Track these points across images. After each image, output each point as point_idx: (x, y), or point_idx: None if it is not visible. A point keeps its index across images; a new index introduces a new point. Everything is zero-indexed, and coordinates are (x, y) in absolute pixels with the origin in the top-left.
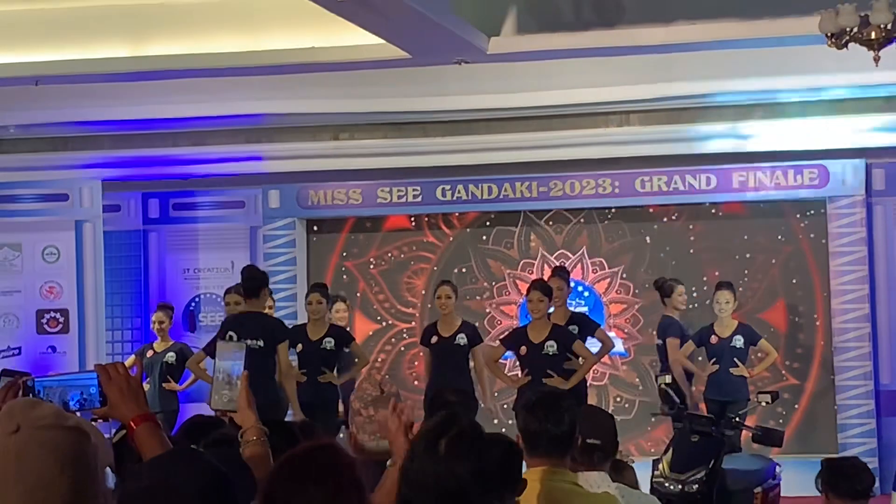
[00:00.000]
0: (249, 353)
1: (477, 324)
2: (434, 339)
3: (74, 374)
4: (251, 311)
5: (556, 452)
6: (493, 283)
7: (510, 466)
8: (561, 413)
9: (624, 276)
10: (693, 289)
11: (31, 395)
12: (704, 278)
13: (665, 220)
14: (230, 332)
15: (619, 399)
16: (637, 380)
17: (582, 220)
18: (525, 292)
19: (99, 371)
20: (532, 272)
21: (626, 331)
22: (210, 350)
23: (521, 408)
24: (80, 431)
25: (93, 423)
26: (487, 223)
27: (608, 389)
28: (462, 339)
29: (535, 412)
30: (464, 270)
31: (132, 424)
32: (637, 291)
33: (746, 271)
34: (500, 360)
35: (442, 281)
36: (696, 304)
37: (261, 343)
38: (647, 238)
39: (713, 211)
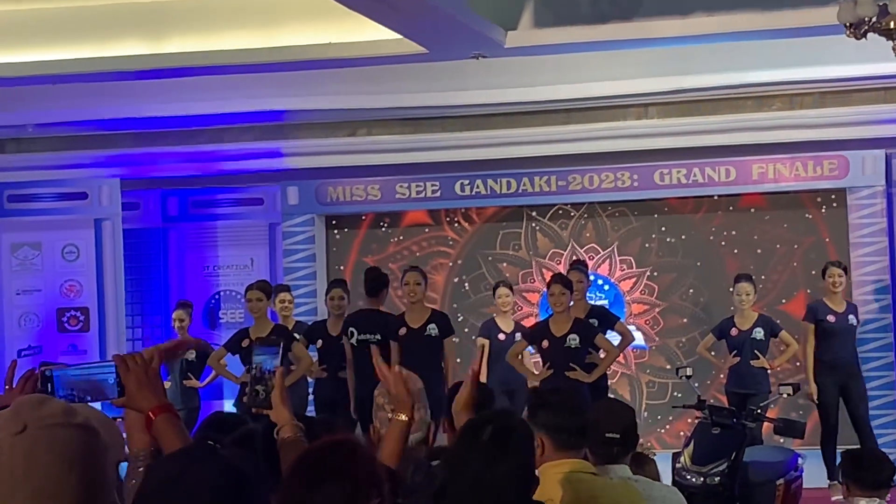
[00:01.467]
0: (359, 348)
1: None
2: (402, 331)
3: (93, 364)
4: (370, 309)
5: (574, 443)
6: (519, 271)
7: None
8: (576, 404)
9: (635, 266)
10: (713, 281)
11: (48, 385)
12: (717, 269)
13: (684, 212)
14: (351, 329)
15: (651, 385)
16: (668, 365)
17: (599, 214)
18: (546, 286)
19: (117, 361)
20: (560, 262)
21: (645, 302)
22: (231, 346)
23: (538, 404)
24: (89, 429)
25: (106, 416)
26: (506, 217)
27: (639, 376)
28: (433, 329)
29: (551, 405)
30: (482, 267)
31: (151, 415)
32: (655, 281)
33: (767, 263)
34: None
35: (409, 266)
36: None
37: (378, 337)
38: (664, 230)
39: (733, 203)
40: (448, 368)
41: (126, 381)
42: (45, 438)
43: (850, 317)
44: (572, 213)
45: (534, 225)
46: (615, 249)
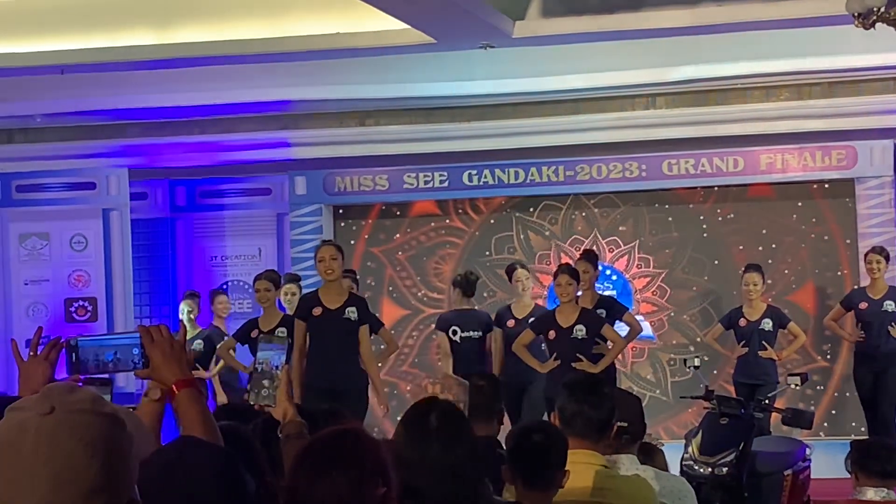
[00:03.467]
0: (462, 344)
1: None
2: (317, 311)
3: (119, 335)
4: (468, 308)
5: (591, 435)
6: (533, 258)
7: (550, 454)
8: (601, 397)
9: (640, 251)
10: (721, 272)
11: (74, 354)
12: (725, 260)
13: (692, 202)
14: (454, 327)
15: (672, 362)
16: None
17: (607, 204)
18: (553, 276)
19: (142, 332)
20: (564, 257)
21: (654, 303)
22: (240, 337)
23: (563, 387)
24: (116, 419)
25: (135, 414)
26: (513, 208)
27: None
28: (352, 312)
29: (575, 393)
30: (490, 255)
31: (174, 388)
32: (662, 271)
33: (775, 254)
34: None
35: (323, 241)
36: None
37: (479, 334)
38: (671, 220)
39: (741, 193)
40: (368, 359)
41: (151, 352)
42: (70, 422)
43: (888, 303)
44: (561, 205)
45: (519, 222)
46: (637, 246)
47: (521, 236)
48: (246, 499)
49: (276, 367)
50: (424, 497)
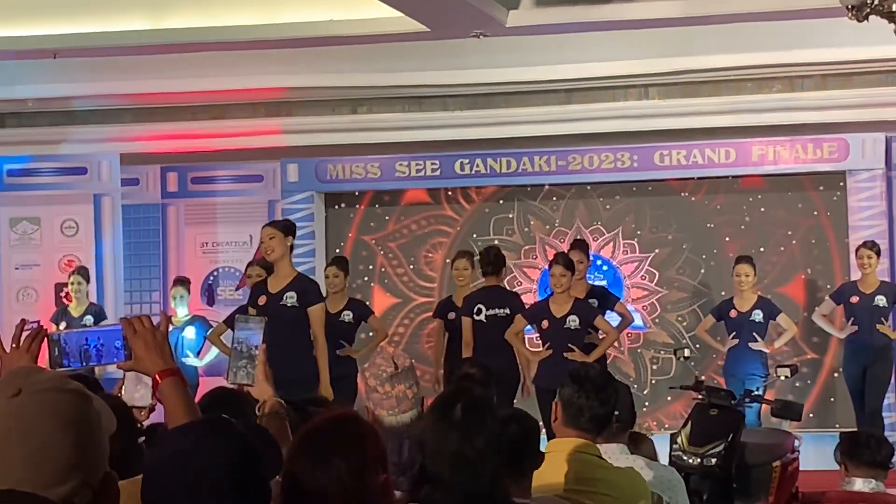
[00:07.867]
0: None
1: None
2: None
3: (100, 328)
4: (494, 285)
5: (594, 429)
6: (521, 249)
7: (527, 442)
8: (609, 394)
9: (639, 250)
10: (712, 263)
11: (55, 348)
12: (716, 251)
13: (684, 193)
14: (479, 305)
15: (681, 318)
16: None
17: (600, 194)
18: (548, 266)
19: (124, 324)
20: (563, 241)
21: (645, 300)
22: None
23: (571, 379)
24: (83, 395)
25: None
26: (505, 197)
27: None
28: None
29: (585, 387)
30: (481, 244)
31: (157, 378)
32: (652, 263)
33: (766, 245)
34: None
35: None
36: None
37: (507, 311)
38: (663, 211)
39: (732, 185)
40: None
41: (133, 344)
42: (39, 401)
43: (879, 298)
44: (565, 194)
45: (528, 205)
46: (620, 233)
47: (499, 232)
48: (260, 496)
49: (255, 347)
50: (443, 485)
